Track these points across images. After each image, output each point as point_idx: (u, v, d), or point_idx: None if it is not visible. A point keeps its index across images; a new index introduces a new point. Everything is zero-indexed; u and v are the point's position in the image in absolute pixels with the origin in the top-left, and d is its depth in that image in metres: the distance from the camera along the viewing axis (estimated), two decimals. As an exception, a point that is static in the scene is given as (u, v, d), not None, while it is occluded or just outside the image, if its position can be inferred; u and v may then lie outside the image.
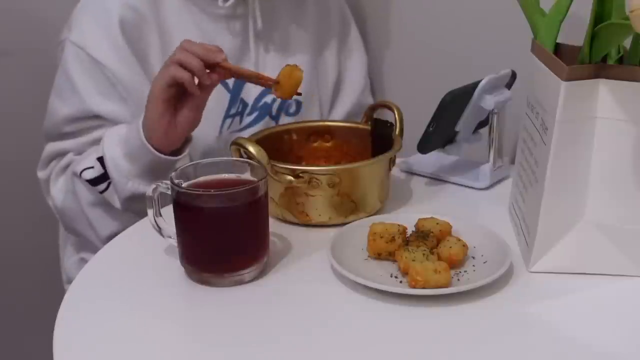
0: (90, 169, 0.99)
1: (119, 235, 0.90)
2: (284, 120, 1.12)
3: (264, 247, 0.80)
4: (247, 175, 0.81)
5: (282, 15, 1.12)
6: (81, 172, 1.00)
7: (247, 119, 1.10)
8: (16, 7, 1.35)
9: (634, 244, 0.77)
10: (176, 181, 0.77)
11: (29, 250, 1.45)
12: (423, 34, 1.23)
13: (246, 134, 1.08)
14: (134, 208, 0.99)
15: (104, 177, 0.99)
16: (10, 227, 1.44)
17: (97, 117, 1.02)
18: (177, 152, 0.96)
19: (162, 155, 0.93)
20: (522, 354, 0.67)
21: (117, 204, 1.00)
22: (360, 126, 1.02)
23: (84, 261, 1.15)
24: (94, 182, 1.00)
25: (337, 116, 1.20)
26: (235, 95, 1.08)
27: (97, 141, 1.02)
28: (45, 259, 1.34)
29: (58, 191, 1.06)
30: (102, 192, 1.00)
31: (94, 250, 0.91)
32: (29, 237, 1.45)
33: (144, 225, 0.85)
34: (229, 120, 1.08)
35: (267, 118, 1.10)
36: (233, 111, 1.08)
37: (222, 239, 0.77)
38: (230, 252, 0.78)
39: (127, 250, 0.87)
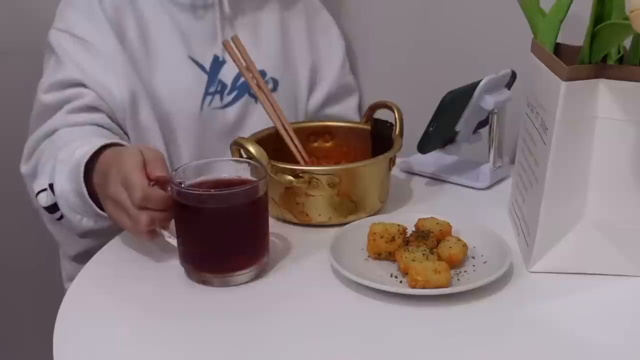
0: (44, 192, 0.95)
1: (118, 235, 0.89)
2: None
3: (264, 247, 0.80)
4: (247, 175, 0.81)
5: (248, 2, 1.14)
6: (37, 194, 0.96)
7: (228, 98, 1.11)
8: (16, 7, 1.35)
9: (634, 244, 0.77)
10: (177, 181, 0.77)
11: (29, 249, 1.45)
12: (423, 34, 1.23)
13: (229, 111, 1.09)
14: (94, 237, 0.98)
15: (57, 207, 0.94)
16: (10, 227, 1.44)
17: (78, 84, 1.01)
18: None
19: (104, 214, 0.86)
20: (522, 353, 0.67)
21: (72, 248, 0.99)
22: (360, 126, 1.02)
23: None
24: (49, 209, 0.95)
25: (319, 97, 1.19)
26: (212, 76, 1.09)
27: (77, 110, 1.00)
28: (45, 259, 1.34)
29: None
30: (59, 219, 0.96)
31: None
32: (29, 237, 1.45)
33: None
34: (209, 97, 1.09)
35: (246, 95, 1.11)
36: (212, 89, 1.10)
37: (222, 239, 0.77)
38: (230, 252, 0.77)
39: (127, 250, 0.86)
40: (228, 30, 1.10)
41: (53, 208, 0.95)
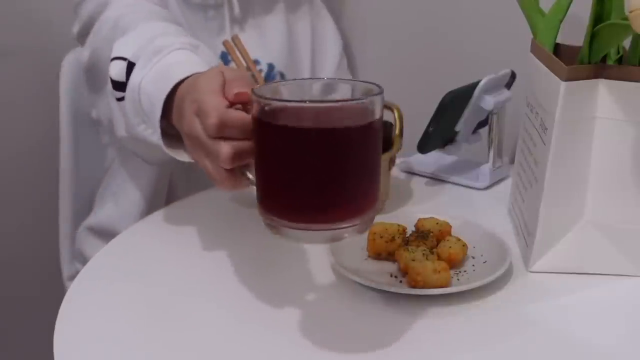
0: (121, 61, 0.78)
1: (118, 236, 0.90)
2: None
3: (375, 194, 0.61)
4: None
5: (257, 3, 1.15)
6: (113, 59, 0.79)
7: None
8: (16, 7, 1.35)
9: (634, 244, 0.77)
10: (262, 95, 0.57)
11: (29, 249, 1.46)
12: (423, 34, 1.23)
13: None
14: (133, 147, 0.88)
15: (124, 88, 0.78)
16: (10, 226, 1.44)
17: None
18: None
19: (165, 148, 0.76)
20: (522, 354, 0.67)
21: (122, 129, 0.82)
22: (360, 126, 1.01)
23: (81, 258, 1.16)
24: (115, 85, 0.79)
25: None
26: None
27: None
28: (45, 259, 1.34)
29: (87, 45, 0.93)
30: (118, 99, 0.80)
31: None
32: (29, 237, 1.45)
33: (146, 224, 0.85)
34: None
35: None
36: None
37: (321, 175, 0.57)
38: (336, 194, 0.57)
39: (127, 250, 0.87)
40: (236, 30, 1.11)
41: (120, 86, 0.78)
